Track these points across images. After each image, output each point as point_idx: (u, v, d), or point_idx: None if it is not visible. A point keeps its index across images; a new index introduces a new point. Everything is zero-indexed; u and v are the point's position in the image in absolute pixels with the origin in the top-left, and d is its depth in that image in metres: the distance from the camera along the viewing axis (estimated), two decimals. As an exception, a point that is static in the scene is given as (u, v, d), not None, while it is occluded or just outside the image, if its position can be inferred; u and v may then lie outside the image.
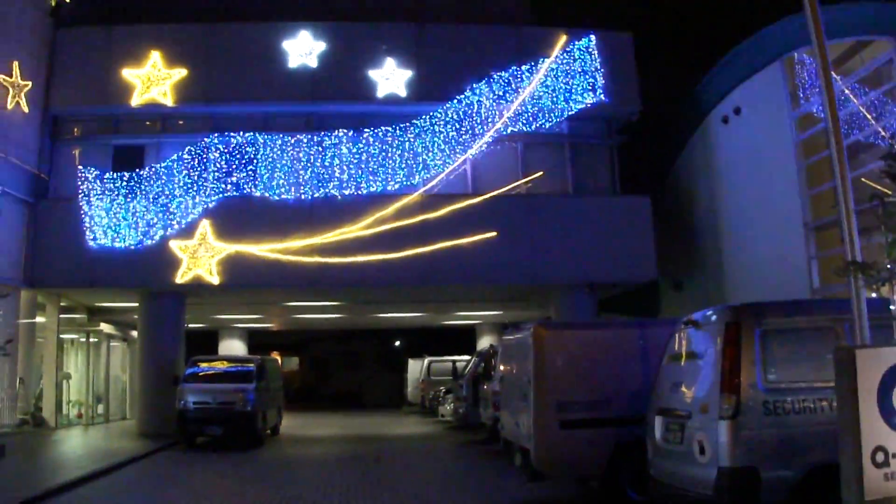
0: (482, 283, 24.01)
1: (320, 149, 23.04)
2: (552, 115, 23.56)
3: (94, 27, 24.27)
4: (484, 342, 34.79)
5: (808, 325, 8.22)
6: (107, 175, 22.95)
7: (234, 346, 37.31)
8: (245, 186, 22.81)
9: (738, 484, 7.60)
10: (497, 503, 12.81)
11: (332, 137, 23.12)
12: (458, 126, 23.29)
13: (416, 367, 35.33)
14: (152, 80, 23.42)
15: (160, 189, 22.80)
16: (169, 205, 22.67)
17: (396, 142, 23.17)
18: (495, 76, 23.48)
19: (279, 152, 22.98)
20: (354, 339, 46.12)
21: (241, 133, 23.08)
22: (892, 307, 7.09)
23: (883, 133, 18.19)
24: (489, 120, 23.34)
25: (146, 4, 25.58)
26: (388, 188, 22.94)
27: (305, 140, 23.10)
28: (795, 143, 21.17)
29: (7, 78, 21.52)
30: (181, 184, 22.79)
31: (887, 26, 18.15)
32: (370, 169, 23.02)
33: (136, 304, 24.42)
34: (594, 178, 24.76)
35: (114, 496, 13.63)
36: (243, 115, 23.95)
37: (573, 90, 23.62)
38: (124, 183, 22.83)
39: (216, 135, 23.12)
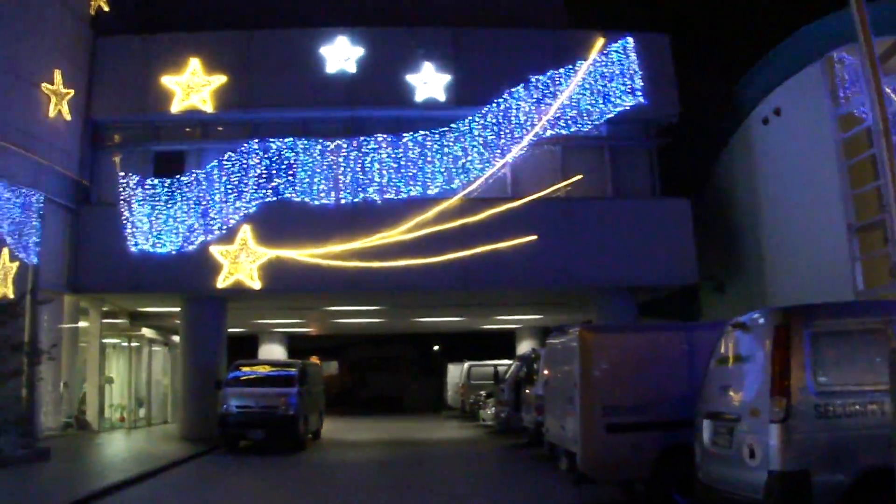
0: (522, 286, 23.96)
1: (359, 153, 23.06)
2: (591, 118, 23.41)
3: (134, 35, 24.54)
4: (523, 346, 34.76)
5: (859, 327, 8.11)
6: (148, 181, 23.11)
7: (273, 351, 37.45)
8: (285, 191, 22.86)
9: (789, 488, 7.52)
10: (544, 506, 12.74)
11: (372, 142, 23.13)
12: (496, 130, 23.22)
13: (455, 372, 35.34)
14: (192, 87, 23.60)
15: (201, 195, 22.93)
16: (209, 210, 22.81)
17: (436, 146, 23.16)
18: (533, 80, 23.36)
19: (318, 157, 23.01)
20: (393, 344, 46.14)
21: (281, 138, 23.14)
22: None
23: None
24: (528, 123, 23.24)
25: (185, 12, 25.79)
26: (428, 192, 22.92)
27: (345, 145, 23.12)
28: (837, 143, 20.86)
29: (49, 86, 21.78)
30: (221, 189, 22.91)
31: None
32: (409, 173, 23.00)
33: (178, 309, 24.64)
34: (633, 181, 24.58)
35: (159, 499, 13.75)
36: (282, 121, 24.08)
37: (611, 93, 23.47)
38: (165, 189, 22.99)
39: (256, 140, 23.20)
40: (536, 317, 33.63)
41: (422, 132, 23.22)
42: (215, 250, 22.62)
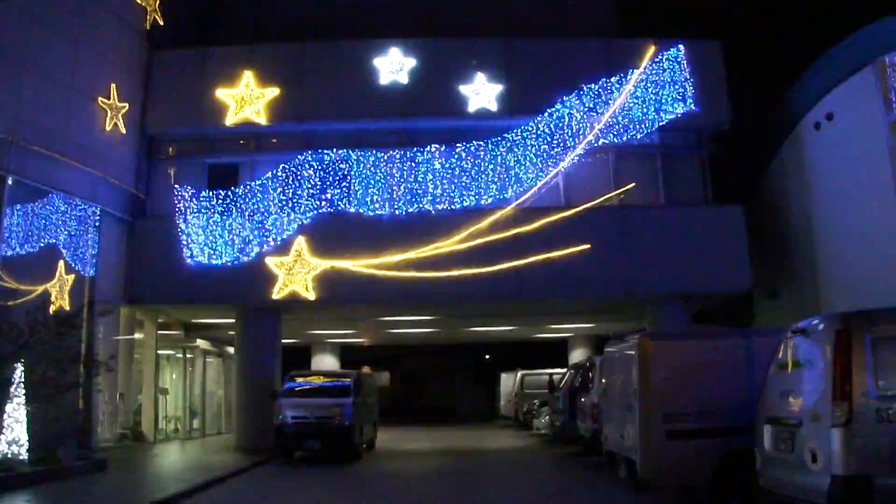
0: (575, 295, 23.91)
1: (413, 164, 23.19)
2: (643, 125, 23.41)
3: (188, 49, 24.97)
4: (576, 355, 34.72)
5: None
6: (202, 193, 23.37)
7: (326, 362, 37.55)
8: (339, 202, 23.01)
9: (852, 492, 7.57)
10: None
11: (425, 153, 23.26)
12: (549, 139, 23.25)
13: (508, 381, 35.30)
14: (246, 99, 23.85)
15: (255, 206, 23.15)
16: (264, 222, 22.99)
17: (489, 156, 23.23)
18: (585, 88, 23.39)
19: (372, 168, 23.16)
20: (445, 353, 46.11)
21: (335, 150, 23.30)
22: None
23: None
24: (580, 132, 23.28)
25: (238, 26, 26.07)
26: (482, 202, 22.98)
27: (398, 156, 23.27)
28: (890, 148, 20.71)
29: (105, 100, 22.08)
30: (276, 201, 23.09)
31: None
32: (463, 183, 23.08)
33: (232, 321, 24.85)
34: (686, 189, 24.48)
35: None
36: (336, 133, 24.26)
37: (663, 101, 23.45)
38: (220, 201, 23.22)
39: (310, 152, 23.37)
40: (589, 325, 33.51)
41: (475, 142, 23.31)
42: (270, 262, 22.78)
